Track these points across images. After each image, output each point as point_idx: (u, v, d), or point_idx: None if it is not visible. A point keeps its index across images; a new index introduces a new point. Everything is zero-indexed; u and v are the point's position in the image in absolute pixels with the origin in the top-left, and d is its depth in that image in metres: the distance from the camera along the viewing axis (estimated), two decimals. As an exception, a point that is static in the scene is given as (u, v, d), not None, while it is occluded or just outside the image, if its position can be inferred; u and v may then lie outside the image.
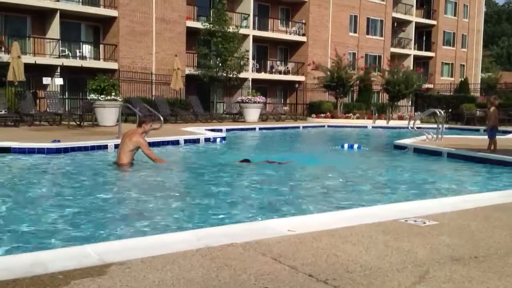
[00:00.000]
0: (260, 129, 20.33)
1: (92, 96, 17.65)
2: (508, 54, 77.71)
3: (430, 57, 45.05)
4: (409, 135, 15.64)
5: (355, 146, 13.34)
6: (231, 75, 26.09)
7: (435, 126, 15.35)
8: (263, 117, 24.60)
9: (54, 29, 24.30)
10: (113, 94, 17.81)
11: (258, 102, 23.57)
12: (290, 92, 34.51)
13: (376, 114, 25.86)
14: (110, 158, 9.43)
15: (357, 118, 26.66)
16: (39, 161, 9.16)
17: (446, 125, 18.42)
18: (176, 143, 12.70)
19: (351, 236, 3.72)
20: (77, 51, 25.81)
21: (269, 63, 34.15)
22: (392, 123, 25.20)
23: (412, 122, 15.91)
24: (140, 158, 8.74)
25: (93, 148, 10.70)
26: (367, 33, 38.68)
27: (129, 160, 8.57)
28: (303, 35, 34.52)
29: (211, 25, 25.66)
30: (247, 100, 23.47)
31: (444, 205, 5.01)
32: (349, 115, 27.28)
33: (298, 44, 34.59)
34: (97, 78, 18.23)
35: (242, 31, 28.41)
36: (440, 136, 13.88)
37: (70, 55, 25.12)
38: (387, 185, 7.72)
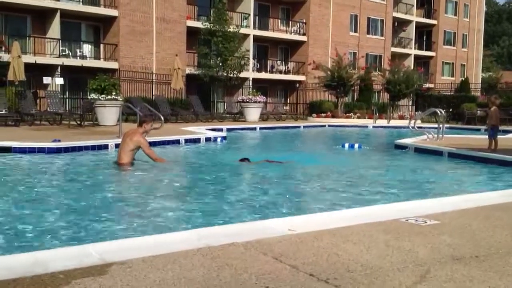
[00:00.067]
0: (260, 128, 20.32)
1: (93, 95, 17.66)
2: (508, 54, 77.69)
3: (431, 57, 45.03)
4: (410, 134, 15.63)
5: (356, 145, 13.33)
6: (231, 75, 26.10)
7: (436, 125, 15.34)
8: (263, 117, 24.60)
9: (55, 29, 24.30)
10: (114, 93, 17.81)
11: (259, 102, 23.57)
12: (291, 91, 34.51)
13: (377, 114, 25.86)
14: (111, 158, 9.43)
15: (358, 117, 26.65)
16: (39, 161, 9.17)
17: (446, 125, 18.41)
18: (176, 142, 12.70)
19: (352, 235, 3.72)
20: (78, 50, 25.81)
21: (269, 62, 34.14)
22: (393, 122, 25.19)
23: (412, 121, 15.90)
24: (141, 158, 8.74)
25: (93, 147, 10.70)
26: (368, 33, 38.66)
27: (129, 159, 8.58)
28: (304, 34, 34.51)
29: (212, 24, 25.67)
30: (247, 100, 23.47)
31: (445, 204, 5.01)
32: (350, 114, 27.28)
33: (299, 43, 34.59)
34: (98, 78, 18.23)
35: (243, 30, 28.41)
36: (441, 135, 13.87)
37: (70, 54, 25.13)
38: (387, 185, 7.71)
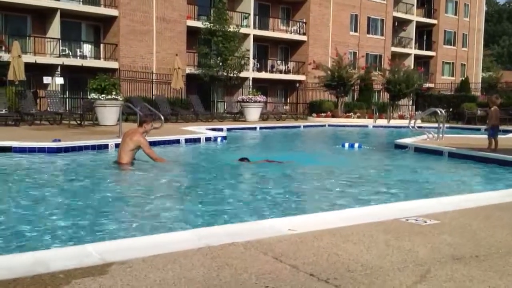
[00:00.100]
0: (260, 128, 20.32)
1: (93, 95, 17.66)
2: (509, 53, 77.67)
3: (431, 57, 45.02)
4: (410, 134, 15.63)
5: (356, 145, 13.33)
6: (231, 75, 26.09)
7: (436, 125, 15.34)
8: (263, 117, 24.59)
9: (55, 29, 24.30)
10: (114, 93, 17.81)
11: (259, 102, 23.57)
12: (291, 91, 34.51)
13: (377, 114, 25.85)
14: (111, 158, 9.43)
15: (358, 117, 26.65)
16: (39, 161, 9.17)
17: (447, 125, 18.41)
18: (177, 142, 12.70)
19: (352, 235, 3.72)
20: (78, 50, 25.81)
21: (269, 62, 34.14)
22: (393, 122, 25.19)
23: (413, 121, 15.91)
24: (141, 158, 8.74)
25: (93, 147, 10.70)
26: (368, 32, 38.64)
27: (129, 159, 8.58)
28: (304, 34, 34.51)
29: (212, 24, 25.66)
30: (247, 100, 23.47)
31: (445, 204, 5.01)
32: (350, 114, 27.27)
33: (299, 43, 34.58)
34: (98, 78, 18.23)
35: (243, 30, 28.41)
36: (441, 135, 13.87)
37: (70, 54, 25.13)
38: (387, 184, 7.71)
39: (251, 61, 30.79)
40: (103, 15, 25.84)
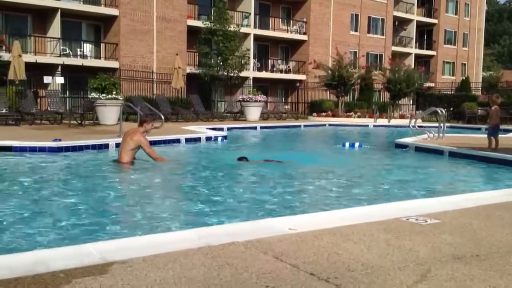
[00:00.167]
0: (261, 128, 20.32)
1: (93, 95, 17.66)
2: (509, 53, 77.63)
3: (431, 56, 45.01)
4: (411, 133, 15.62)
5: (356, 145, 13.33)
6: (232, 74, 26.09)
7: (437, 124, 15.33)
8: (264, 116, 24.60)
9: (55, 28, 24.31)
10: (114, 93, 17.81)
11: (259, 101, 23.57)
12: (291, 91, 34.51)
13: (377, 113, 25.84)
14: (111, 157, 9.43)
15: (358, 117, 26.63)
16: (40, 160, 9.17)
17: (447, 124, 18.40)
18: (177, 142, 12.70)
19: (353, 234, 3.72)
20: (78, 50, 25.82)
21: (270, 61, 34.13)
22: (394, 122, 25.18)
23: (413, 120, 15.91)
24: (141, 157, 8.75)
25: (94, 147, 10.70)
26: (368, 32, 38.64)
27: (130, 159, 8.58)
28: (304, 33, 34.50)
29: (212, 23, 25.66)
30: (248, 99, 23.47)
31: (446, 203, 5.01)
32: (350, 114, 27.26)
33: (299, 42, 34.58)
34: (98, 77, 18.23)
35: (243, 29, 28.41)
36: (441, 134, 13.87)
37: (71, 54, 25.14)
38: (388, 184, 7.71)
39: (252, 60, 30.79)
40: (103, 15, 25.84)
